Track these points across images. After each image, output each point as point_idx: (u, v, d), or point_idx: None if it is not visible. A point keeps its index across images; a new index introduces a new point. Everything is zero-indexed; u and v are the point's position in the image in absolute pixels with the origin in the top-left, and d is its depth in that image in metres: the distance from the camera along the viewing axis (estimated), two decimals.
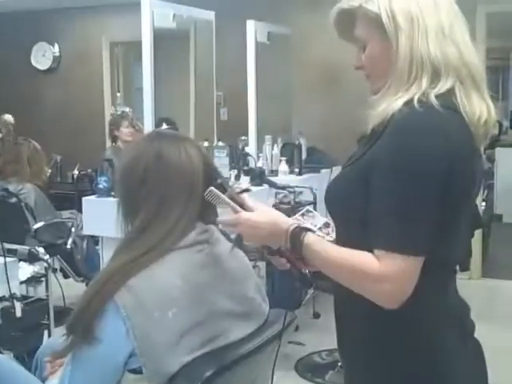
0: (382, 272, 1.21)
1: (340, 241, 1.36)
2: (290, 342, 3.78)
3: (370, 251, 1.24)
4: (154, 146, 1.55)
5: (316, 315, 4.32)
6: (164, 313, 1.43)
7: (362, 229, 1.27)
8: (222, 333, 1.51)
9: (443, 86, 1.27)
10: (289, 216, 4.46)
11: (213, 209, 1.53)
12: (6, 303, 2.55)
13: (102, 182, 3.68)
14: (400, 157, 1.22)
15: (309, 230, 1.34)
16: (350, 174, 1.33)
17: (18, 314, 2.56)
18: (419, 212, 1.22)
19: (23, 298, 2.71)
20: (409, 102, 1.26)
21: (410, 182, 1.21)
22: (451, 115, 1.25)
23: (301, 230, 1.32)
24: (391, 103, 1.27)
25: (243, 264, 1.62)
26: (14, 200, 4.04)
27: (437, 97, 1.26)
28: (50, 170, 4.82)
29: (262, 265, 1.69)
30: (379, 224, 1.24)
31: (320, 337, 3.91)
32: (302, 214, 4.38)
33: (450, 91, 1.28)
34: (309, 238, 1.32)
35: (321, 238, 1.35)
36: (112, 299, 1.42)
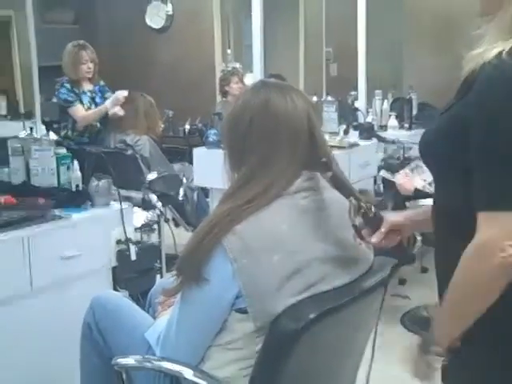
0: (484, 236, 1.12)
1: (438, 197, 1.31)
2: (396, 296, 3.74)
3: (469, 209, 1.17)
4: (261, 95, 1.55)
5: (423, 269, 4.24)
6: (269, 257, 1.45)
7: (456, 184, 1.22)
8: (325, 278, 1.51)
9: None
10: (397, 171, 4.30)
11: (318, 157, 1.52)
12: (123, 246, 2.66)
13: (212, 135, 3.75)
14: (487, 115, 1.15)
15: None
16: (442, 125, 1.27)
17: (133, 256, 2.67)
18: None
19: (137, 242, 2.82)
20: (499, 55, 1.17)
21: (500, 140, 1.13)
22: None
23: None
24: (486, 51, 1.19)
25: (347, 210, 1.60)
26: (130, 152, 4.18)
27: None
28: (162, 125, 4.94)
29: None
30: (478, 186, 1.16)
31: (427, 291, 3.83)
32: (412, 169, 4.28)
33: None
34: None
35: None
36: (219, 243, 1.45)
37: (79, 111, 4.42)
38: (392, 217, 1.55)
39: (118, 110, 4.38)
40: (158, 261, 3.05)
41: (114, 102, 4.38)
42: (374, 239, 1.51)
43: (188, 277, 1.49)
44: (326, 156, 1.53)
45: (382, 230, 1.52)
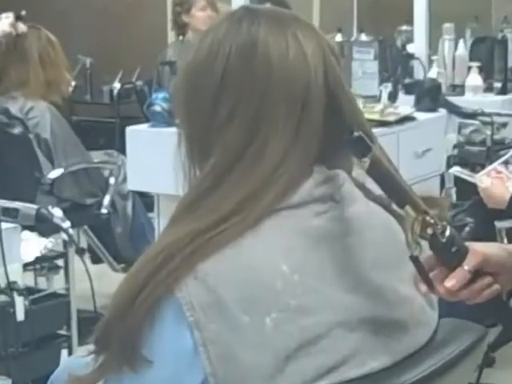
0: None
1: None
2: None
3: None
4: (243, 32, 1.56)
5: None
6: (258, 318, 1.46)
7: None
8: (354, 355, 1.52)
9: None
10: (483, 166, 4.39)
11: (342, 138, 1.52)
12: (2, 298, 2.66)
13: (160, 102, 3.75)
14: None
15: None
16: None
17: (21, 316, 2.66)
18: None
19: (29, 291, 2.82)
20: None
21: None
22: None
23: None
24: None
25: (395, 239, 1.61)
26: (18, 130, 4.18)
27: None
28: (74, 82, 4.95)
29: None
30: None
31: None
32: (506, 162, 4.35)
33: None
34: None
35: None
36: (171, 294, 1.46)
37: None
38: (484, 248, 1.52)
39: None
40: (65, 324, 3.05)
41: None
42: (451, 283, 1.47)
43: (116, 355, 1.50)
44: (362, 129, 1.52)
45: (466, 267, 1.48)
